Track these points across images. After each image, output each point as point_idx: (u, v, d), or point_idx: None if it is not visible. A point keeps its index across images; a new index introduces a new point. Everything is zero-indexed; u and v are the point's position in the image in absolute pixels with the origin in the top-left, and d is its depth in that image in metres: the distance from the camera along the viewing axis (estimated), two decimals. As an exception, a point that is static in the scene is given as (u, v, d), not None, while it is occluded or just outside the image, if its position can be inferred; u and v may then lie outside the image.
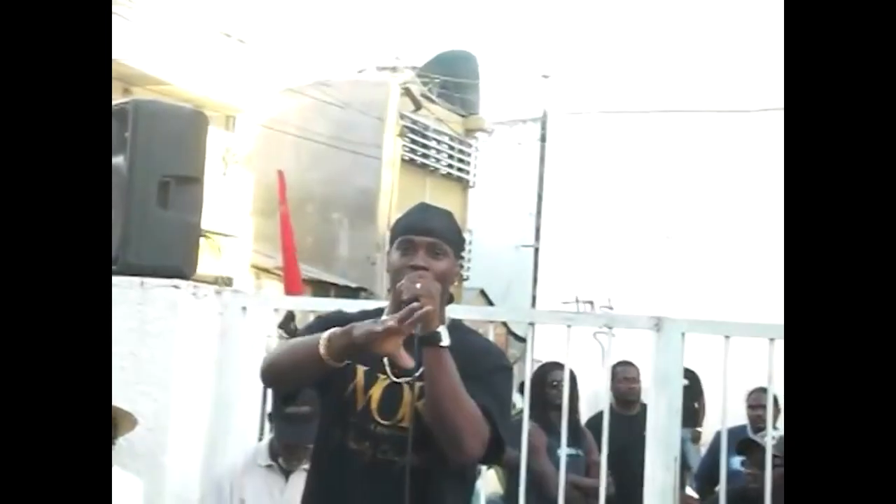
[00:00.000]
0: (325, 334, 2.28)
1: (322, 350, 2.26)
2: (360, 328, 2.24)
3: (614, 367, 5.72)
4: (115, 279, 3.97)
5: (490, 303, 15.94)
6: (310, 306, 4.25)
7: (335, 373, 2.36)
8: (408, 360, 2.27)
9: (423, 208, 2.55)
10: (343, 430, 2.40)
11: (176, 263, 4.02)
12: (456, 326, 2.44)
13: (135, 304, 3.91)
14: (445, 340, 2.24)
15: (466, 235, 18.39)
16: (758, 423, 5.27)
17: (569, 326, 3.71)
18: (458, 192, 18.10)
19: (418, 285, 2.26)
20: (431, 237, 2.40)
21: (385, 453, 2.34)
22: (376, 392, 2.40)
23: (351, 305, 4.10)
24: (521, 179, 18.57)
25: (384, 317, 2.33)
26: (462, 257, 2.50)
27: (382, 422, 2.37)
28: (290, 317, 4.57)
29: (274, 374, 2.44)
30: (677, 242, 16.00)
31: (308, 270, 12.65)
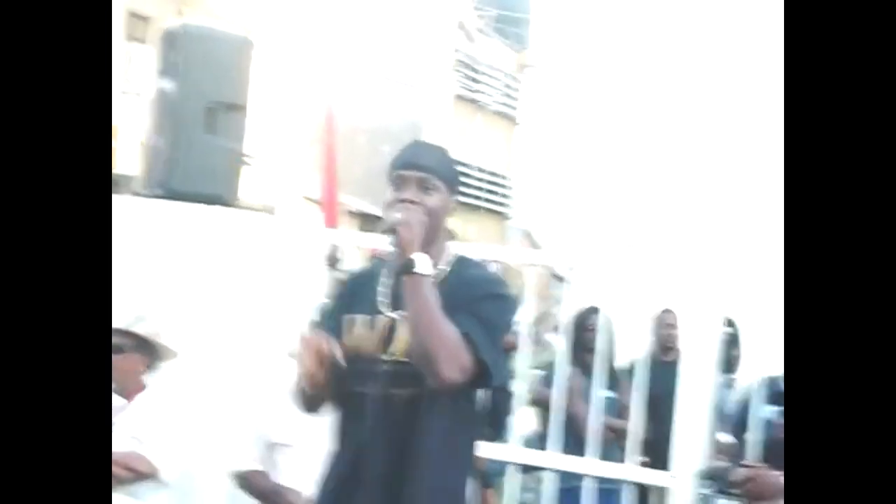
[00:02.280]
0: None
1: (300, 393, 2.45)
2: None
3: (656, 313, 5.68)
4: (162, 204, 4.02)
5: (534, 243, 15.93)
6: (353, 240, 4.26)
7: (337, 332, 2.45)
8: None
9: (417, 144, 2.60)
10: (352, 377, 2.44)
11: (220, 191, 4.05)
12: (459, 261, 2.50)
13: (179, 229, 3.94)
14: (420, 268, 2.30)
15: (510, 174, 18.31)
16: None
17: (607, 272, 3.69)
18: (505, 128, 17.99)
19: (398, 215, 2.34)
20: (422, 172, 2.44)
21: (385, 389, 2.39)
22: (376, 331, 2.44)
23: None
24: (571, 117, 18.39)
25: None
26: (457, 192, 2.53)
27: (383, 358, 2.41)
28: (334, 250, 4.59)
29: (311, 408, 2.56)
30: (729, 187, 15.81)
31: (356, 203, 12.70)
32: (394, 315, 2.42)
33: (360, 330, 2.46)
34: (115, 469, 3.35)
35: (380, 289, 2.48)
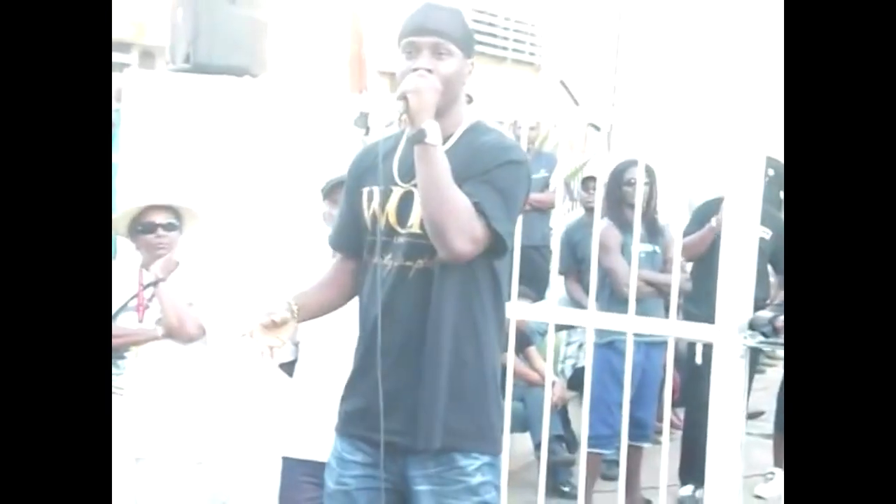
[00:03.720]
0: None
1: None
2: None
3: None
4: (190, 77, 3.99)
5: (570, 93, 15.65)
6: (381, 105, 4.19)
7: (356, 205, 2.46)
8: None
9: (428, 6, 2.43)
10: (370, 249, 2.43)
11: (245, 62, 4.00)
12: (473, 127, 2.42)
13: (207, 101, 3.92)
14: (431, 138, 2.23)
15: (542, 22, 17.90)
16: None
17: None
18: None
19: (409, 83, 2.26)
20: (435, 37, 2.34)
21: (401, 260, 2.37)
22: (392, 204, 2.41)
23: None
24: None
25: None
26: (473, 54, 2.43)
27: (399, 230, 2.39)
28: (363, 115, 4.54)
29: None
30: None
31: (385, 61, 12.48)
32: (409, 186, 2.37)
33: (377, 202, 2.42)
34: (169, 319, 3.45)
35: (396, 159, 2.43)
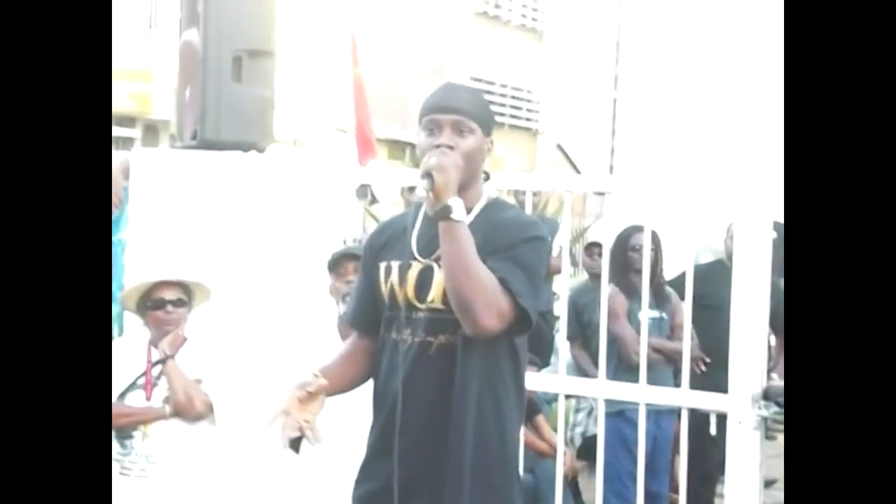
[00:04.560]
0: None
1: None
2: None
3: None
4: (197, 154, 4.02)
5: (567, 157, 15.78)
6: (383, 176, 4.23)
7: (373, 280, 2.46)
8: None
9: (449, 87, 2.52)
10: (388, 325, 2.42)
11: (252, 138, 4.03)
12: (491, 204, 2.45)
13: (214, 177, 3.94)
14: (457, 214, 2.26)
15: (539, 87, 18.08)
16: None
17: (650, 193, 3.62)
18: (530, 43, 17.72)
19: (433, 160, 2.28)
20: (456, 115, 2.38)
21: (422, 336, 2.36)
22: (411, 278, 2.41)
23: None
24: (597, 27, 18.06)
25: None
26: (492, 133, 2.47)
27: (419, 305, 2.38)
28: (366, 186, 4.58)
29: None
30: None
31: (383, 129, 12.60)
32: (429, 261, 2.38)
33: (396, 277, 2.42)
34: (177, 397, 3.43)
35: (414, 235, 2.44)
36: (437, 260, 2.35)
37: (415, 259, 2.41)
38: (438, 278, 2.35)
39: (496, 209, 2.45)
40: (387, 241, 2.50)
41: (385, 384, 2.43)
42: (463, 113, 2.39)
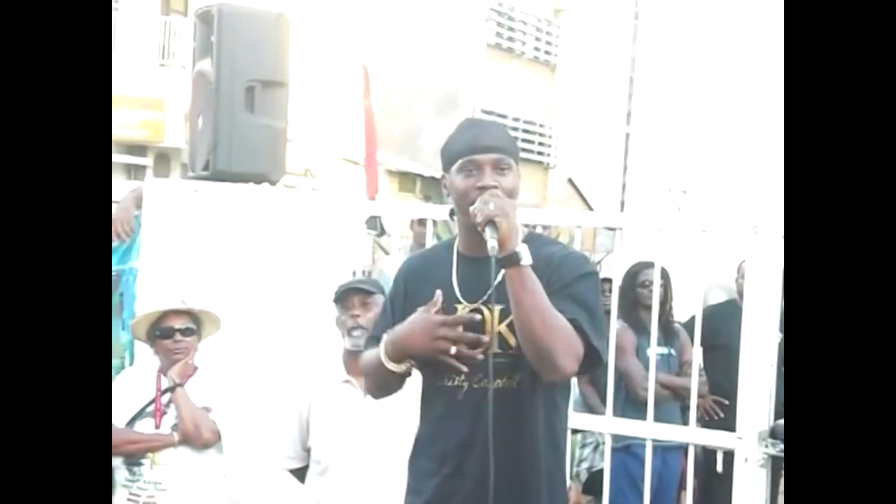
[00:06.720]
0: (382, 346, 2.33)
1: (385, 362, 2.33)
2: (413, 337, 2.28)
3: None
4: (209, 185, 4.04)
5: (578, 191, 15.80)
6: (393, 208, 4.24)
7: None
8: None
9: (475, 124, 2.44)
10: (437, 372, 2.36)
11: (264, 169, 4.05)
12: (531, 239, 2.35)
13: (225, 207, 3.96)
14: (526, 259, 2.19)
15: (551, 121, 18.14)
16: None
17: (660, 230, 3.63)
18: (543, 76, 17.79)
19: (491, 206, 2.20)
20: (496, 153, 2.31)
21: (479, 382, 2.29)
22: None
23: (437, 211, 4.12)
24: (611, 61, 18.13)
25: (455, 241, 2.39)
26: (519, 165, 2.41)
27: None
28: (375, 217, 4.59)
29: (380, 394, 2.50)
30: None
31: (394, 161, 12.65)
32: (477, 305, 2.31)
33: None
34: (185, 425, 3.43)
35: (455, 277, 2.37)
36: (485, 303, 2.29)
37: (459, 302, 2.33)
38: (489, 323, 2.29)
39: (538, 244, 2.36)
40: (421, 281, 2.41)
41: (443, 431, 2.36)
42: (501, 151, 2.33)
